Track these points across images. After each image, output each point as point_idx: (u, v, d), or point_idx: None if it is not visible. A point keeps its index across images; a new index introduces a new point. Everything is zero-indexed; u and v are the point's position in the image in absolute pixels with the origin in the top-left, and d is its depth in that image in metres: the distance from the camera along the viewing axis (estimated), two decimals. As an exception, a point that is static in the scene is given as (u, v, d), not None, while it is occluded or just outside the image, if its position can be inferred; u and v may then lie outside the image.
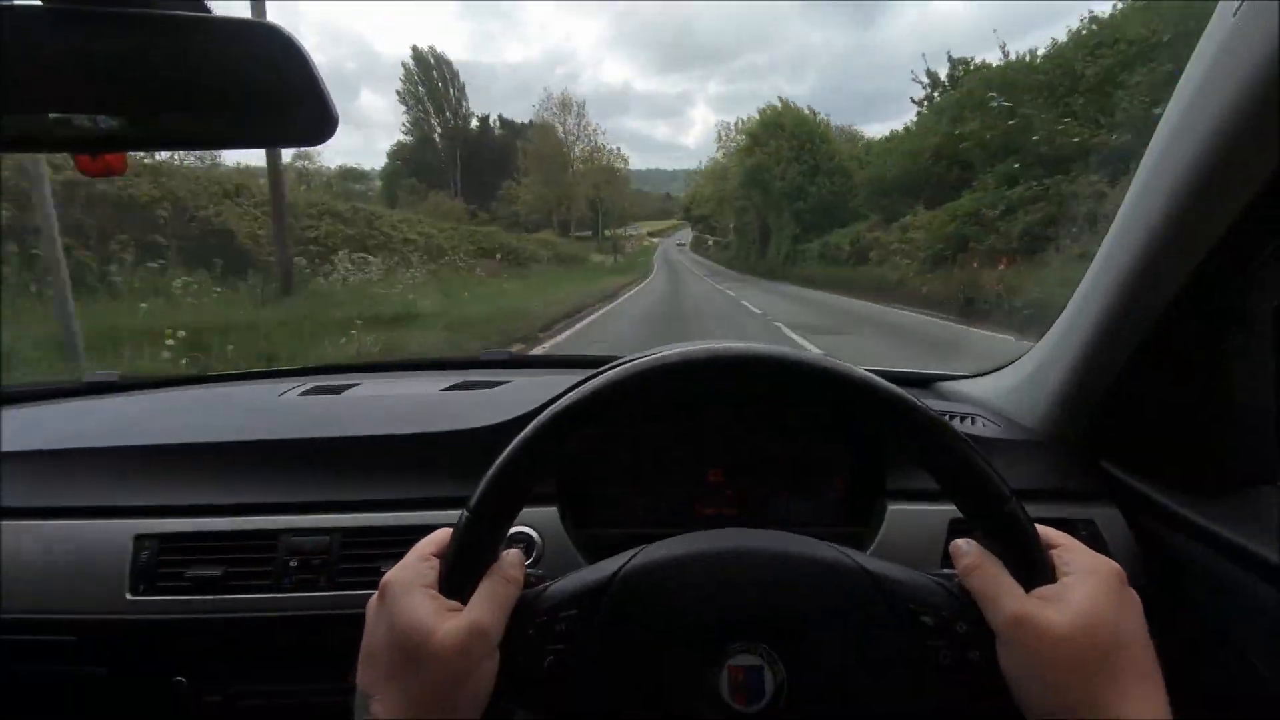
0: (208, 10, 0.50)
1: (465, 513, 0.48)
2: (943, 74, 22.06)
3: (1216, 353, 0.72)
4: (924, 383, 1.23)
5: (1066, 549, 0.47)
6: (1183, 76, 0.62)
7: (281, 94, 0.52)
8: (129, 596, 0.79)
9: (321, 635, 0.77)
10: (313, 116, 0.52)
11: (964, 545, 0.48)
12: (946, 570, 0.51)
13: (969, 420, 0.98)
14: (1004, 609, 0.43)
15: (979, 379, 1.13)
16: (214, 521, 0.83)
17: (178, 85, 0.49)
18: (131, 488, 0.86)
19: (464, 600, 0.46)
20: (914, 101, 23.43)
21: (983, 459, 0.46)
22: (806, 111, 34.45)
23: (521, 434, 0.48)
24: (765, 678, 0.46)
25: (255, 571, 0.80)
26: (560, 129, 61.62)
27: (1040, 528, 0.47)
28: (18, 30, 0.44)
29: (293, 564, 0.80)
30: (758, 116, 36.00)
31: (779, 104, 35.20)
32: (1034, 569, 0.45)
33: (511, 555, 0.50)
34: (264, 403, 1.10)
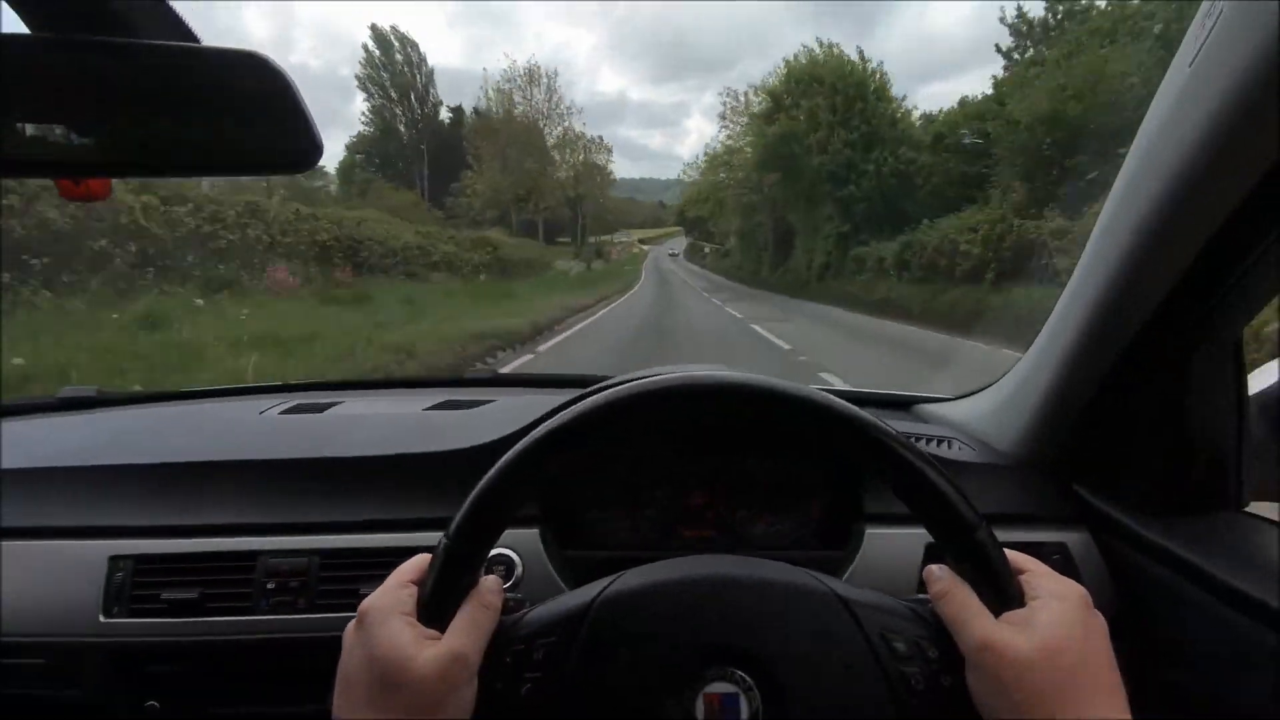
0: (196, 40, 0.50)
1: (444, 539, 0.48)
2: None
3: (1182, 380, 0.74)
4: (904, 405, 1.24)
5: (1034, 574, 0.48)
6: (1153, 102, 0.64)
7: (267, 122, 0.52)
8: (102, 619, 0.78)
9: (299, 658, 0.76)
10: (298, 143, 0.53)
11: (936, 571, 0.49)
12: (920, 595, 0.51)
13: (945, 444, 0.99)
14: (972, 634, 0.44)
15: (958, 402, 1.15)
16: (191, 543, 0.82)
17: (163, 113, 0.50)
18: (107, 507, 0.85)
19: (442, 628, 0.46)
20: (1000, 51, 19.58)
21: (953, 485, 0.47)
22: (855, 59, 25.30)
23: (501, 460, 0.48)
24: (741, 705, 0.46)
25: (232, 594, 0.79)
26: (525, 104, 48.47)
27: (1009, 553, 0.48)
28: (3, 58, 0.44)
29: (270, 586, 0.79)
30: (781, 74, 27.41)
31: (816, 49, 26.42)
32: (1002, 594, 0.46)
33: (490, 581, 0.50)
34: (245, 421, 1.09)
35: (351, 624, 0.48)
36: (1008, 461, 0.94)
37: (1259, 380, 0.80)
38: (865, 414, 0.48)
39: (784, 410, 0.49)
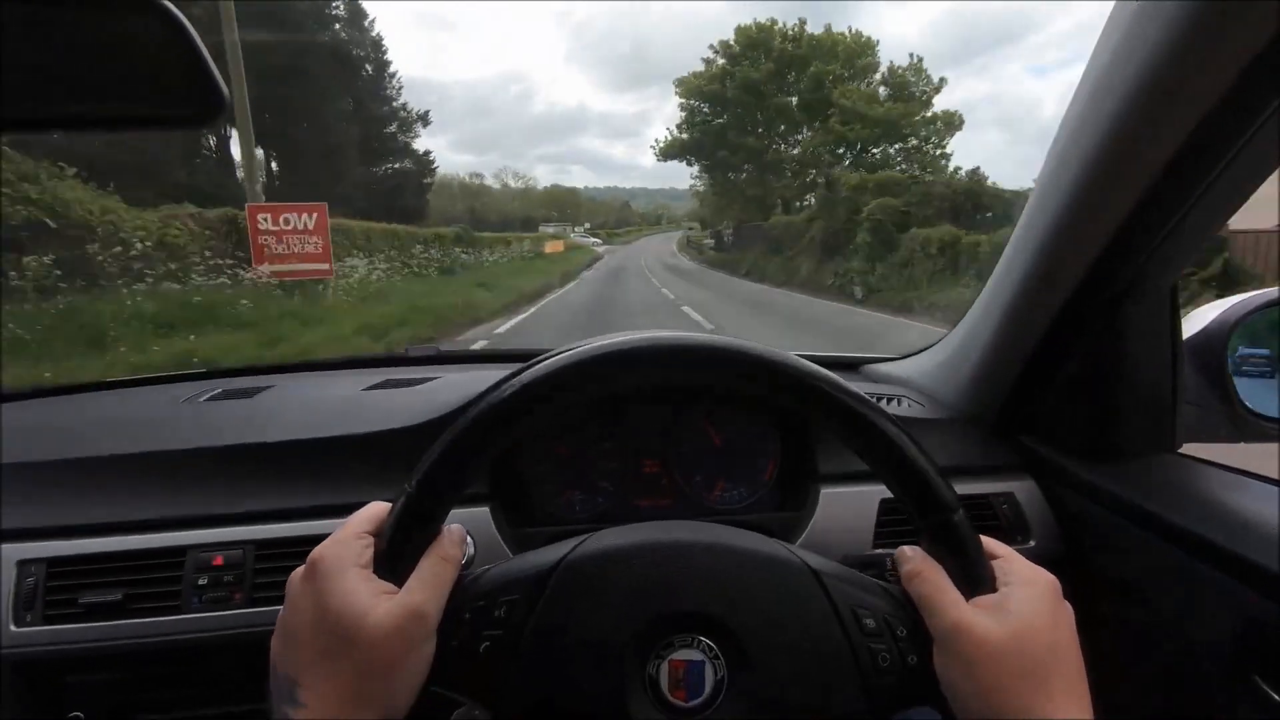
0: None
1: (407, 489, 0.45)
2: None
3: (1119, 330, 0.76)
4: (852, 365, 1.26)
5: (1007, 559, 0.48)
6: (1084, 70, 0.66)
7: (167, 74, 0.48)
8: (13, 629, 0.71)
9: (236, 656, 0.72)
10: (201, 97, 0.48)
11: (909, 551, 0.48)
12: (878, 551, 0.51)
13: (895, 401, 1.01)
14: (943, 616, 0.44)
15: (904, 360, 1.17)
16: (110, 541, 0.76)
17: (56, 65, 0.45)
18: (12, 509, 0.78)
19: (399, 582, 0.44)
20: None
21: (934, 466, 0.46)
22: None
23: (473, 410, 0.46)
24: (705, 672, 0.45)
25: (159, 593, 0.74)
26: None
27: (984, 539, 0.48)
28: None
29: (202, 582, 0.74)
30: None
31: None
32: (975, 578, 0.46)
33: (453, 532, 0.47)
34: (166, 411, 1.02)
35: (298, 573, 0.45)
36: (955, 415, 0.96)
37: (1190, 325, 0.83)
38: (850, 386, 0.47)
39: (767, 379, 0.47)
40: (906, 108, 27.85)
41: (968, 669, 0.42)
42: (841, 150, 28.48)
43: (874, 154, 28.43)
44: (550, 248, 34.32)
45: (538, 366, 0.47)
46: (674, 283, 19.34)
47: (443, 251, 19.43)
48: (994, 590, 0.45)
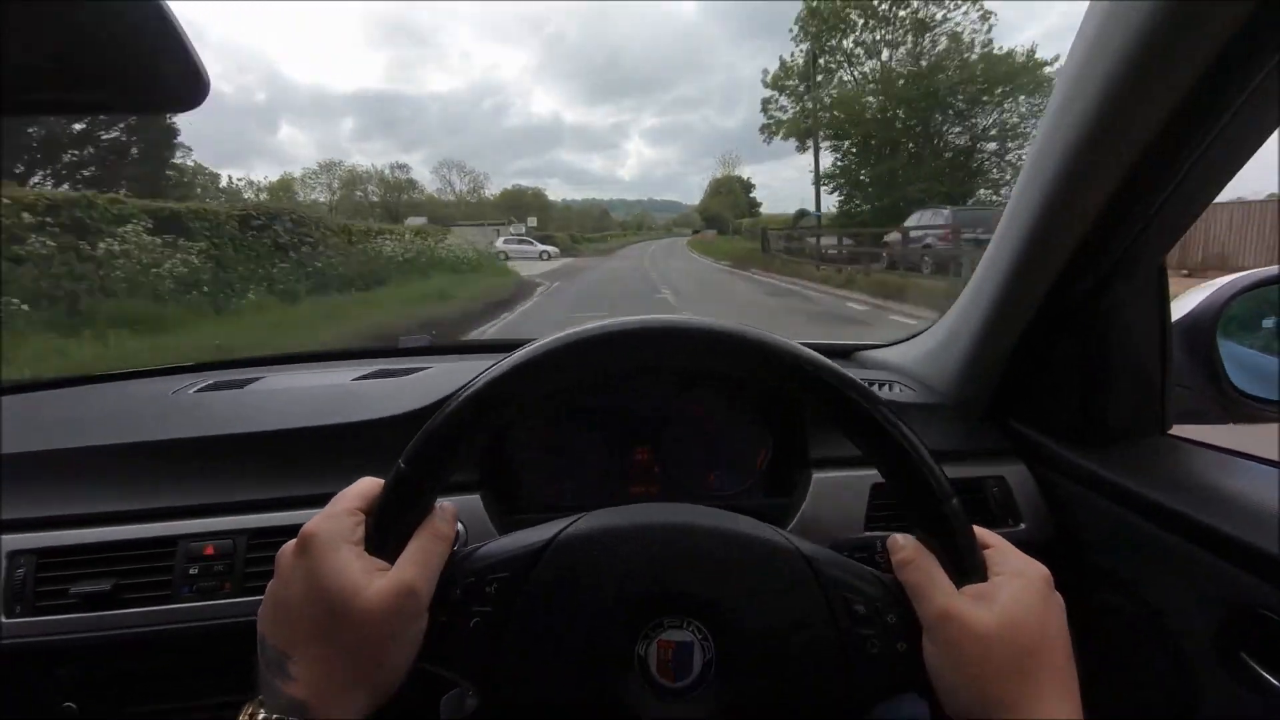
0: None
1: (400, 466, 0.45)
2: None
3: (1107, 312, 0.76)
4: (846, 353, 1.26)
5: (999, 550, 0.48)
6: (1065, 58, 0.66)
7: (143, 54, 0.47)
8: (3, 620, 0.71)
9: (226, 645, 0.72)
10: (181, 80, 0.47)
11: (901, 540, 0.48)
12: (868, 534, 0.51)
13: (887, 387, 1.01)
14: (934, 603, 0.44)
15: (895, 346, 1.17)
16: (102, 531, 0.76)
17: (35, 50, 0.44)
18: (4, 500, 0.77)
19: (391, 560, 0.44)
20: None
21: (929, 454, 0.46)
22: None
23: (469, 387, 0.46)
24: (694, 654, 0.45)
25: (151, 583, 0.74)
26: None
27: (976, 529, 0.48)
28: None
29: (193, 571, 0.74)
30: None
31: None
32: (967, 567, 0.45)
33: (445, 509, 0.47)
34: (157, 401, 1.02)
35: (290, 547, 0.45)
36: (946, 400, 0.96)
37: (1179, 307, 0.83)
38: (846, 373, 0.47)
39: (765, 364, 0.47)
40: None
41: (956, 657, 0.42)
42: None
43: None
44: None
45: (537, 344, 0.47)
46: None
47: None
48: (985, 580, 0.45)
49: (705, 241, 52.72)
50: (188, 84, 0.47)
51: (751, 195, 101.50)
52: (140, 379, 1.16)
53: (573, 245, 48.48)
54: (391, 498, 0.45)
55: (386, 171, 70.71)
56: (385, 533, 0.45)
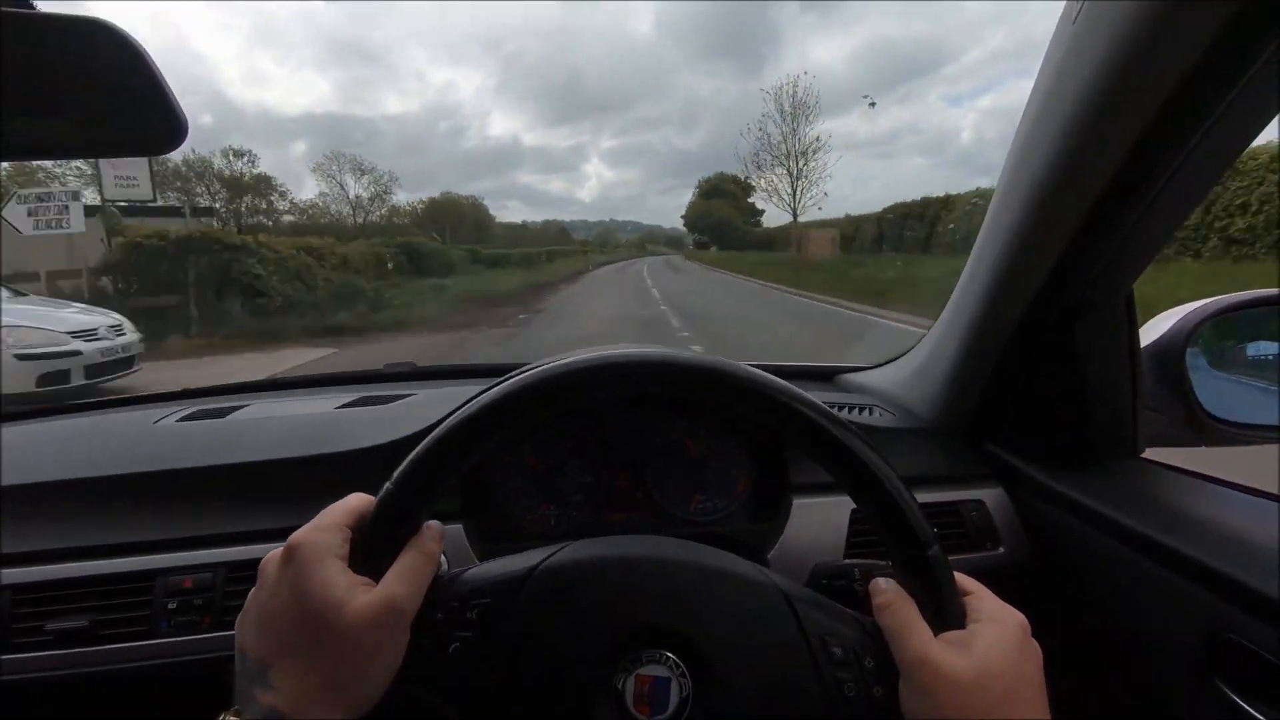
0: (30, 6, 0.45)
1: (388, 486, 0.46)
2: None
3: (1078, 339, 0.78)
4: (827, 376, 1.27)
5: (977, 596, 0.48)
6: (1032, 86, 0.67)
7: (123, 99, 0.47)
8: None
9: (206, 681, 0.71)
10: (160, 123, 0.48)
11: (882, 583, 0.48)
12: (849, 561, 0.52)
13: (867, 411, 1.02)
14: (911, 649, 0.44)
15: (875, 370, 1.18)
16: (79, 566, 0.75)
17: (13, 92, 0.44)
18: None
19: (376, 576, 0.44)
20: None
21: (913, 500, 0.46)
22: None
23: (461, 411, 0.46)
24: (671, 689, 0.46)
25: (128, 618, 0.73)
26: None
27: (956, 574, 0.48)
28: None
29: (172, 606, 0.73)
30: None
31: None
32: (945, 613, 0.46)
33: (432, 528, 0.48)
34: (137, 432, 1.01)
35: (275, 555, 0.45)
36: (925, 425, 0.97)
37: (1151, 332, 0.85)
38: (832, 412, 0.47)
39: (746, 400, 0.48)
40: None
41: (931, 703, 0.42)
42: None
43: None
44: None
45: (536, 369, 0.47)
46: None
47: None
48: (963, 626, 0.46)
49: (744, 262, 35.38)
50: (168, 127, 0.48)
51: (750, 201, 72.98)
52: (122, 407, 1.15)
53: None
54: (380, 516, 0.46)
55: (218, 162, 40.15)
56: (372, 550, 0.45)
